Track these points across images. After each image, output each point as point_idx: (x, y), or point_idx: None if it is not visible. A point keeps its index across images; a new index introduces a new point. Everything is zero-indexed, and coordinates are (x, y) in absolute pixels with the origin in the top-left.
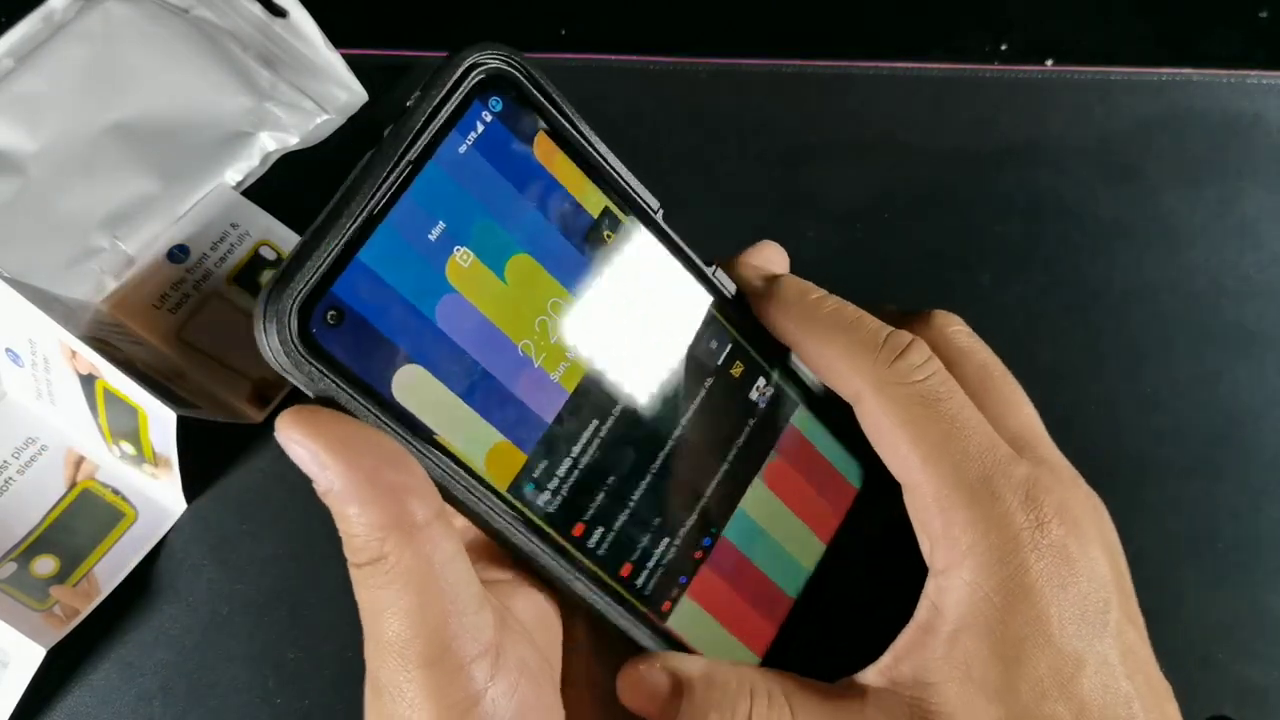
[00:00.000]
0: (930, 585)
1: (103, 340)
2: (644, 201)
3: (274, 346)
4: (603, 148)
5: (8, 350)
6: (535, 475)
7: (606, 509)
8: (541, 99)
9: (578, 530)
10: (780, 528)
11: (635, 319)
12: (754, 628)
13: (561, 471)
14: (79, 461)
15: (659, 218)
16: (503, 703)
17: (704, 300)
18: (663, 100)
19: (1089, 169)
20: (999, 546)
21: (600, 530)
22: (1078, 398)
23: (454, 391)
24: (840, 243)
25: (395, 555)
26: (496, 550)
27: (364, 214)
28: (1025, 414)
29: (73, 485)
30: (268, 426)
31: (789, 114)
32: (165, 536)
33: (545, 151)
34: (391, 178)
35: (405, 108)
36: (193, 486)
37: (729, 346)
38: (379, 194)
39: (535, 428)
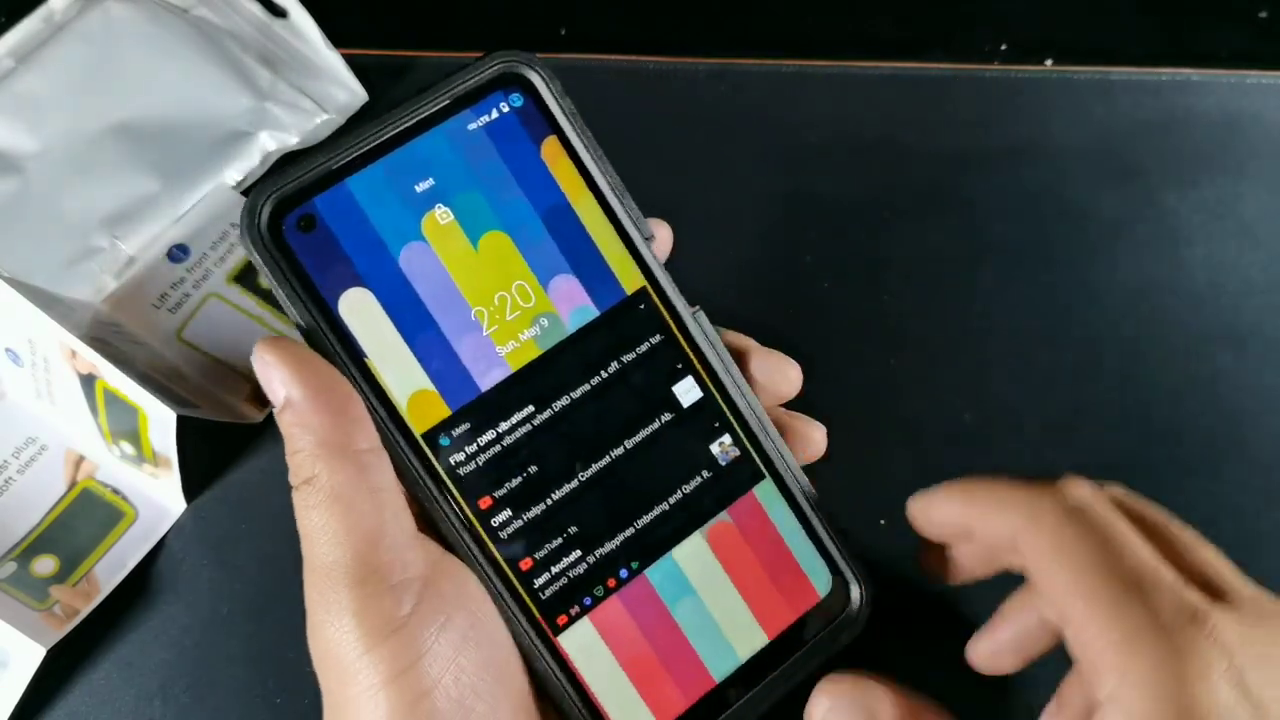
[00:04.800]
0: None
1: (103, 340)
2: (636, 226)
3: (244, 226)
4: (610, 172)
5: (8, 350)
6: (454, 433)
7: (520, 494)
8: (560, 111)
9: (484, 503)
10: (716, 596)
11: (603, 329)
12: (662, 692)
13: (482, 441)
14: (79, 461)
15: (648, 246)
16: (431, 631)
17: (681, 339)
18: (663, 100)
19: (1089, 169)
20: (1163, 672)
21: (508, 513)
22: (1077, 398)
23: (397, 327)
24: (840, 243)
25: (328, 475)
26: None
27: (360, 149)
28: (1205, 553)
29: (72, 485)
30: (268, 426)
31: (789, 114)
32: (165, 536)
33: (552, 154)
34: (396, 128)
35: (437, 80)
36: (192, 486)
37: (700, 395)
38: (379, 136)
39: (466, 390)
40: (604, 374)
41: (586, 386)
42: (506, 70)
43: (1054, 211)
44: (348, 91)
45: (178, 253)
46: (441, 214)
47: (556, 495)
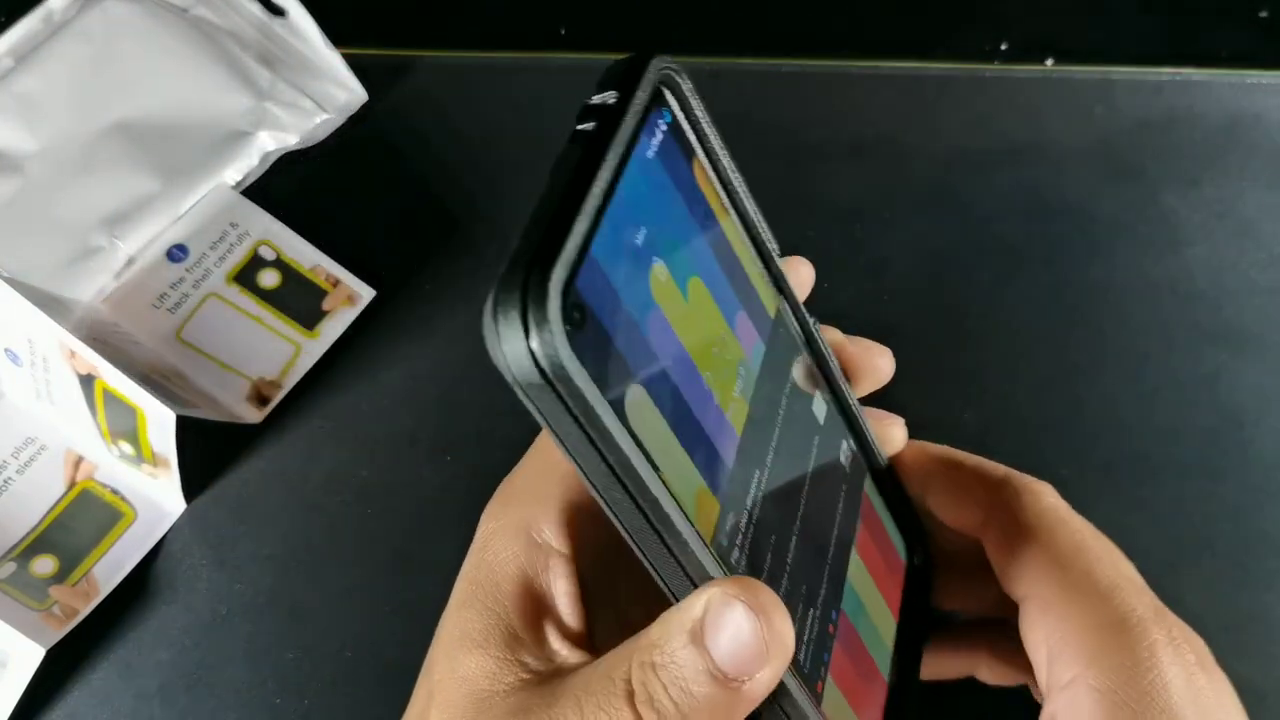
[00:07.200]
0: (1049, 707)
1: (102, 340)
2: (769, 240)
3: (532, 348)
4: (744, 183)
5: (7, 350)
6: (727, 528)
7: (772, 571)
8: (705, 123)
9: None
10: (872, 602)
11: (771, 364)
12: (871, 716)
13: (741, 524)
14: (78, 461)
15: (778, 261)
16: None
17: (809, 354)
18: None
19: (1089, 168)
20: (1133, 652)
21: None
22: (1077, 397)
23: (666, 421)
24: (840, 243)
25: None
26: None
27: (582, 198)
28: (1135, 572)
29: (72, 485)
30: (267, 427)
31: (789, 114)
32: (164, 536)
33: (700, 174)
34: (605, 165)
35: (601, 105)
36: (191, 487)
37: (826, 408)
38: (604, 179)
39: (721, 472)
40: (781, 412)
41: (776, 433)
42: (661, 81)
43: (1054, 211)
44: (347, 91)
45: (177, 252)
46: (659, 270)
47: (789, 560)
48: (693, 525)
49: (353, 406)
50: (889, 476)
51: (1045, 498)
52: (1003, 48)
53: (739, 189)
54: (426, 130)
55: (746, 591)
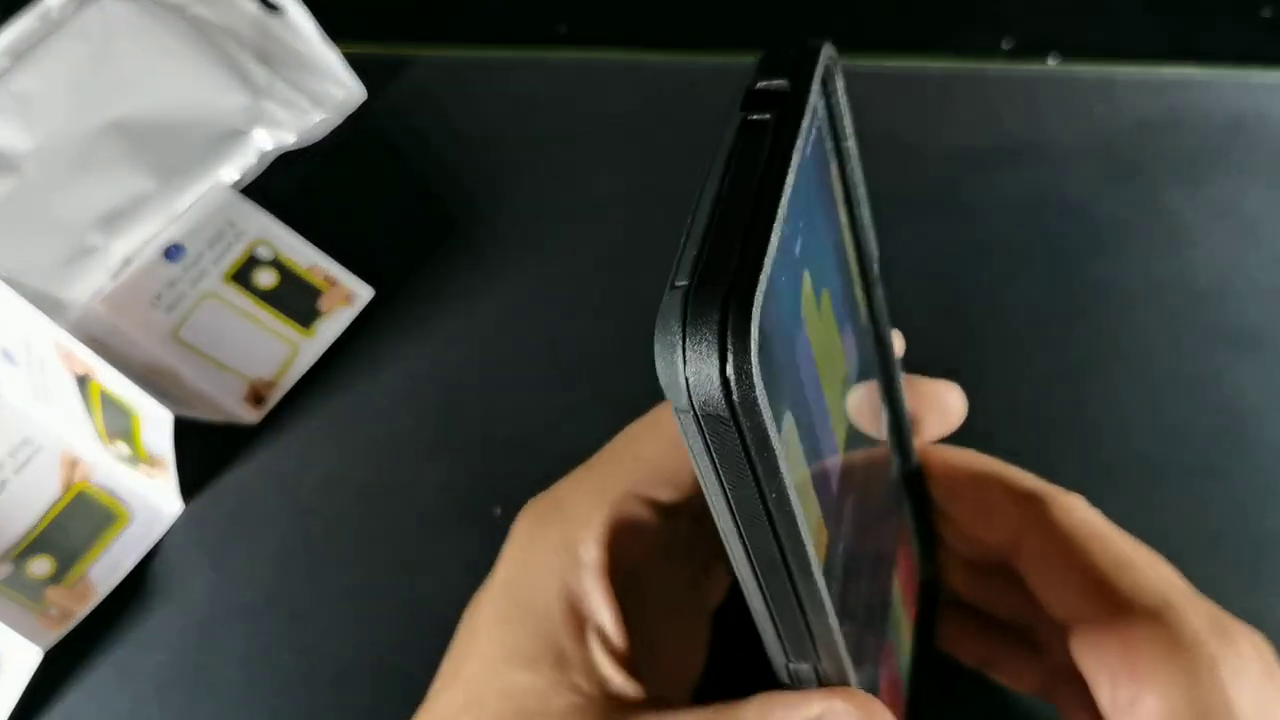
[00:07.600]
0: None
1: (98, 340)
2: (870, 241)
3: (727, 377)
4: (862, 179)
5: (3, 351)
6: (832, 558)
7: (853, 600)
8: (846, 117)
9: (846, 629)
10: (900, 617)
11: (864, 379)
12: None
13: (839, 552)
14: (74, 463)
15: (876, 261)
16: None
17: (884, 370)
18: (662, 97)
19: (1091, 167)
20: (1195, 673)
21: (849, 626)
22: (1080, 398)
23: (804, 449)
24: None
25: None
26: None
27: (788, 204)
28: (1180, 578)
29: (68, 486)
30: (264, 428)
31: None
32: (161, 538)
33: (835, 174)
34: (795, 165)
35: (775, 91)
36: (188, 488)
37: (892, 420)
38: (790, 183)
39: (830, 498)
40: (875, 430)
41: (863, 450)
42: (825, 69)
43: (1056, 210)
44: (345, 89)
45: (174, 252)
46: (807, 283)
47: (863, 583)
48: (821, 573)
49: (351, 407)
50: (920, 483)
51: (1077, 511)
52: (1005, 46)
53: (860, 187)
54: (425, 128)
55: (872, 718)
